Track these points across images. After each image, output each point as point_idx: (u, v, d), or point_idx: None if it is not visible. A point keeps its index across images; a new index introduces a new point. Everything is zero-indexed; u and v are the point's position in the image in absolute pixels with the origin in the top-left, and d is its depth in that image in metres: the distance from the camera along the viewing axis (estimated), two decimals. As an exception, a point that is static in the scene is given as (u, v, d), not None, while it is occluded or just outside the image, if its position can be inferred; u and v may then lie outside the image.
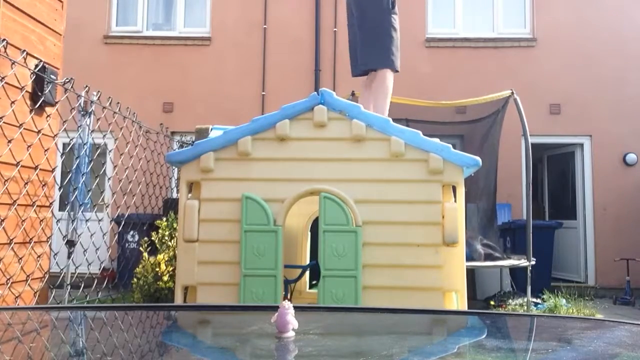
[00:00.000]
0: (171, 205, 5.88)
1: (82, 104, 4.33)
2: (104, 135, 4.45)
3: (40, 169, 3.29)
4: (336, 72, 8.56)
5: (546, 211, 9.53)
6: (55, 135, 3.49)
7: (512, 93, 6.05)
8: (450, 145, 2.86)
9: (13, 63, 2.99)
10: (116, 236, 6.43)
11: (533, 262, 5.81)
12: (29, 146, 3.15)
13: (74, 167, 4.43)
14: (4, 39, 2.92)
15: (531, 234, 5.83)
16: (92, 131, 4.60)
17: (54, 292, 3.80)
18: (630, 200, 8.22)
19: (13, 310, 1.58)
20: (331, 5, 8.83)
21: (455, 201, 2.87)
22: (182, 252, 2.87)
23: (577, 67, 8.53)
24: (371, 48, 3.77)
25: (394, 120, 2.96)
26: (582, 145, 8.61)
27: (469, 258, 4.64)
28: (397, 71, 3.83)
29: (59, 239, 4.25)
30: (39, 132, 3.26)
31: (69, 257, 4.31)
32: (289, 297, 3.51)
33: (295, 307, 1.02)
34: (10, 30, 3.05)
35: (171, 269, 4.60)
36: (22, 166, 3.09)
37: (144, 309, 1.62)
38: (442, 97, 7.04)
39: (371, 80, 3.93)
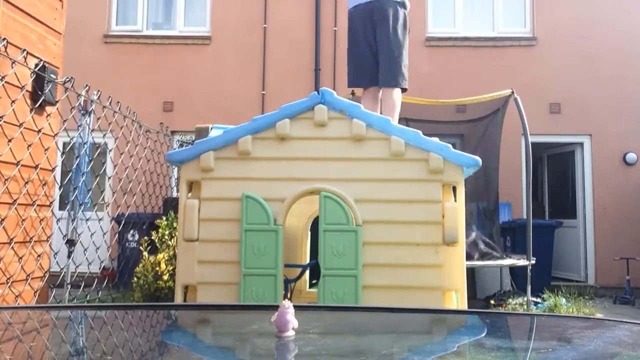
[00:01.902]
0: (171, 205, 5.88)
1: (82, 103, 4.32)
2: (104, 135, 4.45)
3: (40, 168, 3.29)
4: (336, 72, 8.55)
5: (546, 210, 9.53)
6: (55, 135, 3.49)
7: (512, 92, 6.05)
8: (450, 145, 2.86)
9: (13, 62, 2.99)
10: (116, 235, 6.43)
11: (533, 262, 5.81)
12: (29, 145, 3.15)
13: (74, 166, 4.43)
14: (4, 38, 2.91)
15: (531, 233, 5.83)
16: (92, 130, 4.60)
17: (54, 292, 3.80)
18: (630, 200, 8.22)
19: (13, 310, 1.58)
20: (331, 5, 8.83)
21: (455, 201, 2.87)
22: (182, 252, 2.87)
23: (577, 66, 8.52)
24: (396, 65, 3.87)
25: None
26: (582, 144, 8.61)
27: (469, 256, 4.65)
28: (406, 90, 3.99)
29: (59, 239, 4.25)
30: (39, 131, 3.26)
31: (69, 257, 4.31)
32: (289, 296, 3.51)
33: (295, 307, 1.02)
34: (11, 30, 3.05)
35: (171, 268, 4.60)
36: (22, 165, 3.09)
37: (144, 308, 1.62)
38: (442, 96, 7.03)
39: (375, 92, 3.99)
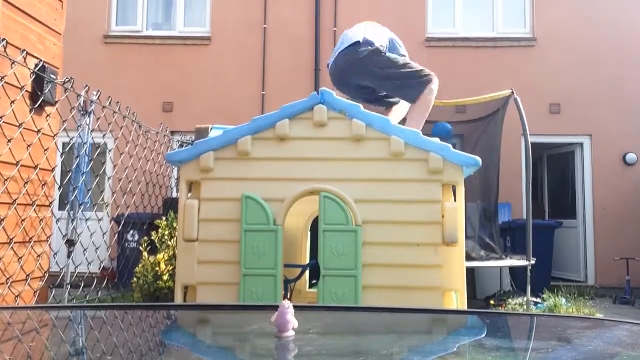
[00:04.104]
0: (171, 205, 5.87)
1: (82, 104, 4.32)
2: (104, 135, 4.45)
3: (40, 169, 3.29)
4: (336, 72, 8.54)
5: (546, 211, 9.53)
6: (55, 135, 3.49)
7: (512, 93, 6.05)
8: (450, 145, 2.86)
9: (13, 63, 2.99)
10: (116, 236, 6.43)
11: (533, 262, 5.81)
12: (29, 146, 3.15)
13: (74, 166, 4.43)
14: (3, 39, 2.91)
15: (531, 234, 5.83)
16: (92, 131, 4.59)
17: (53, 292, 3.80)
18: (630, 200, 8.22)
19: (13, 310, 1.58)
20: (331, 5, 8.83)
21: (455, 201, 2.87)
22: (182, 252, 2.87)
23: (577, 66, 8.53)
24: (410, 83, 3.98)
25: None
26: (582, 144, 8.61)
27: (468, 256, 4.65)
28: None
29: (59, 239, 4.25)
30: (39, 131, 3.26)
31: (69, 257, 4.30)
32: (289, 296, 3.51)
33: (295, 307, 1.02)
34: (10, 30, 3.05)
35: (171, 268, 4.59)
36: (22, 166, 3.08)
37: (144, 308, 1.62)
38: (442, 96, 6.96)
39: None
